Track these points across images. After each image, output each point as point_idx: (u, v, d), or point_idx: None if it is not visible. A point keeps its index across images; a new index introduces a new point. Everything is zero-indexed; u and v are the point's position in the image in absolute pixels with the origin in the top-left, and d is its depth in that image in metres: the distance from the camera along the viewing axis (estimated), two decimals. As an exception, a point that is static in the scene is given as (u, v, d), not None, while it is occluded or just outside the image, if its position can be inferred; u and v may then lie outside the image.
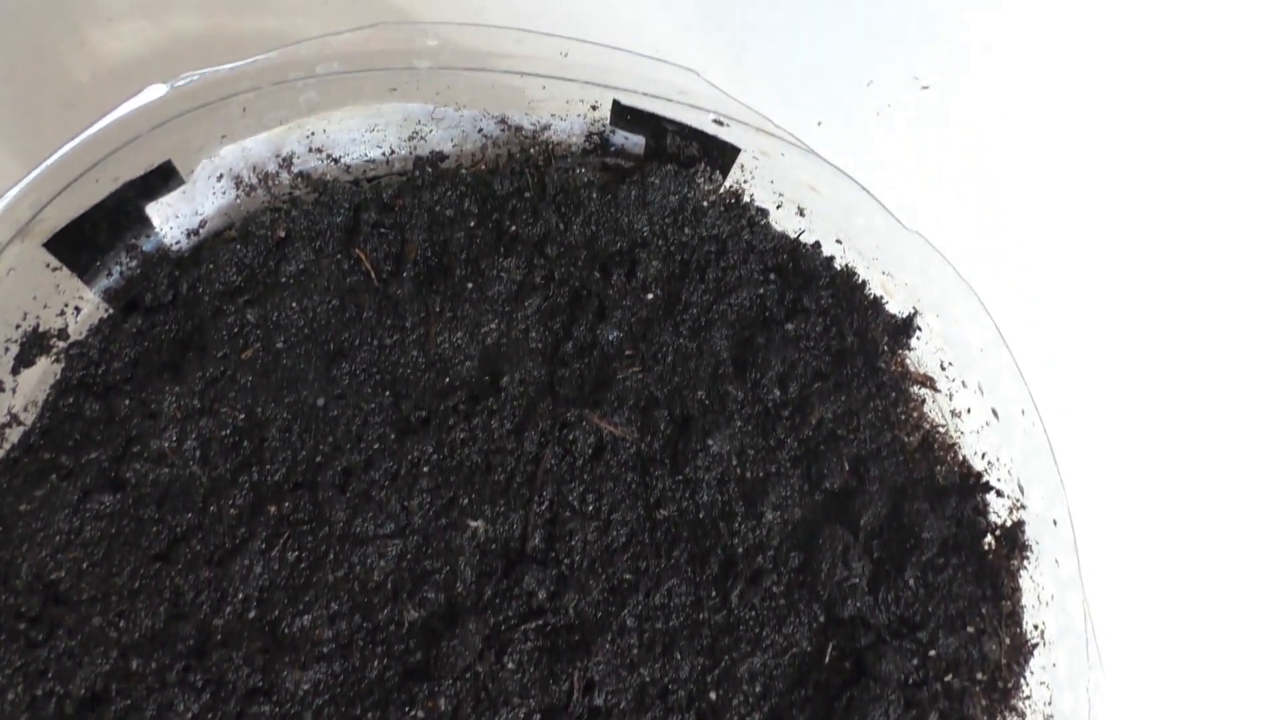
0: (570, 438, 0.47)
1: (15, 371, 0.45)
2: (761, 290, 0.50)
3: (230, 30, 0.68)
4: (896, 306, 0.48)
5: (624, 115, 0.49)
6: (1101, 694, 0.40)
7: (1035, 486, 0.43)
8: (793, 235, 0.50)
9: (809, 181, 0.46)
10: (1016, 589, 0.45)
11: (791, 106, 0.72)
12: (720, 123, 0.46)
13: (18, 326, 0.46)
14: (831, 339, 0.49)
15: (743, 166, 0.49)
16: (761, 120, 0.43)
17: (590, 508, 0.46)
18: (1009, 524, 0.46)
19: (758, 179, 0.49)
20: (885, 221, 0.44)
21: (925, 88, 0.74)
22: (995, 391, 0.44)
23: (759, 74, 0.72)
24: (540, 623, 0.44)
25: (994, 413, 0.45)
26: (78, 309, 0.47)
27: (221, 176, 0.48)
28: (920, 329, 0.48)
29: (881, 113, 0.72)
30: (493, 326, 0.48)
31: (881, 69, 0.75)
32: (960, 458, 0.47)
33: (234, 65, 0.40)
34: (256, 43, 0.64)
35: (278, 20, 0.69)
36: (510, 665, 0.44)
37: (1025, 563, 0.45)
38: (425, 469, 0.46)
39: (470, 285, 0.49)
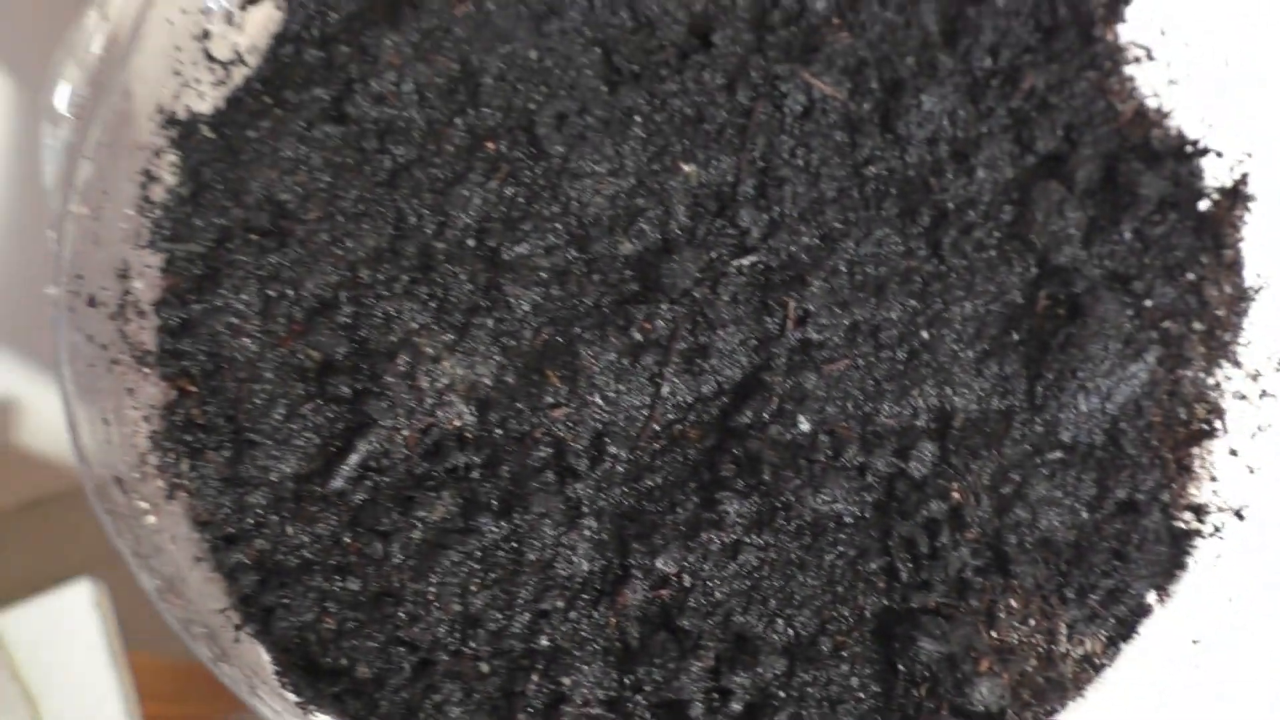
0: (781, 92, 0.46)
1: (244, 7, 0.46)
2: (970, -33, 0.49)
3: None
4: (1111, -25, 0.47)
5: None
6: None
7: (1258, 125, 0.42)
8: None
9: None
10: (1239, 238, 0.44)
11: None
12: None
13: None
14: (1043, 12, 0.48)
15: None
16: None
17: (800, 162, 0.46)
18: (1230, 183, 0.45)
19: None
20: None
21: None
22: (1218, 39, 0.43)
23: None
24: (754, 260, 0.45)
25: (1226, 62, 0.44)
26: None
27: None
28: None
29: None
30: (699, -8, 0.48)
31: None
32: (1176, 126, 0.47)
33: None
34: None
35: None
36: (725, 297, 0.44)
37: (1247, 213, 0.44)
38: (637, 118, 0.46)
39: (679, -46, 0.49)
